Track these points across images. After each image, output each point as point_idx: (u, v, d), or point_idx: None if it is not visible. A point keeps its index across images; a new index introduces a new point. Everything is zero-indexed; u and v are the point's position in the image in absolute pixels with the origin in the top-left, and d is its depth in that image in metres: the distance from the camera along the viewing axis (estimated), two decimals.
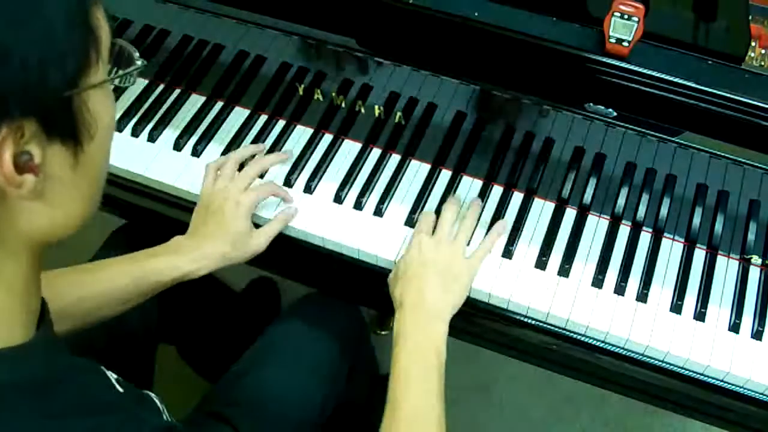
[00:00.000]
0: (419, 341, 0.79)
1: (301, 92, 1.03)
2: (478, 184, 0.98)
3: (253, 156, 0.99)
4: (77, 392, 0.54)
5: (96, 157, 0.52)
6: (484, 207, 0.96)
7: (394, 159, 1.01)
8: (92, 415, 0.52)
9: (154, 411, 0.64)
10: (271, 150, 1.02)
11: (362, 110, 1.01)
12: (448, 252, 0.86)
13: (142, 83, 1.08)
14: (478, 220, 0.94)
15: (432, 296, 0.82)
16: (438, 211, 0.94)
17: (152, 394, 0.67)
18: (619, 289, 0.89)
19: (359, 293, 1.07)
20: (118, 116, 1.04)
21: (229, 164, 0.93)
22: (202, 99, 1.07)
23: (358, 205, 0.96)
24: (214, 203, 0.89)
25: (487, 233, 0.92)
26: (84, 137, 0.49)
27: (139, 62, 0.57)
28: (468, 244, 0.91)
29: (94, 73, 0.49)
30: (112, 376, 0.60)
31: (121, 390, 0.59)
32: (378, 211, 0.95)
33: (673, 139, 0.85)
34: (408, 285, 0.83)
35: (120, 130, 1.03)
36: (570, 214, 0.96)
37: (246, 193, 0.90)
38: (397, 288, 0.84)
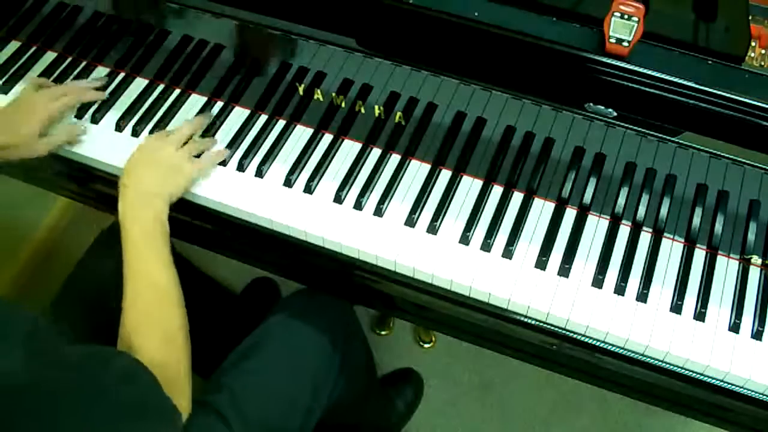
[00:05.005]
0: (141, 214, 0.87)
1: (301, 92, 1.03)
2: (478, 184, 0.98)
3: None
4: None
5: None
6: (484, 207, 0.96)
7: (394, 159, 1.01)
8: None
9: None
10: (270, 150, 1.02)
11: (362, 110, 1.01)
12: (172, 154, 0.94)
13: (142, 83, 1.08)
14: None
15: (150, 181, 0.90)
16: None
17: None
18: (619, 289, 0.89)
19: (359, 293, 1.07)
20: (118, 115, 1.04)
21: (59, 88, 1.02)
22: (203, 99, 1.07)
23: (358, 205, 0.96)
24: (20, 106, 0.98)
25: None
26: None
27: None
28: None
29: None
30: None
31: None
32: (378, 211, 0.95)
33: (673, 139, 0.85)
34: (129, 174, 0.91)
35: (120, 129, 1.03)
36: (570, 214, 0.96)
37: (49, 104, 0.98)
38: (123, 177, 0.91)
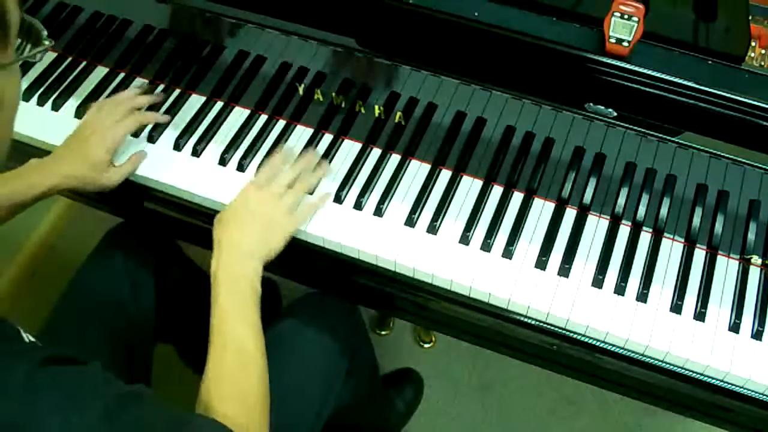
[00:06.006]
0: (234, 277, 0.83)
1: (301, 92, 1.03)
2: (478, 184, 0.98)
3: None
4: None
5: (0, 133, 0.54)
6: (484, 207, 0.96)
7: (394, 159, 1.01)
8: None
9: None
10: (270, 151, 1.01)
11: (362, 110, 1.01)
12: (271, 207, 0.90)
13: (142, 83, 1.08)
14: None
15: (247, 240, 0.86)
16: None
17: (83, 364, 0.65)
18: (619, 289, 0.89)
19: (359, 293, 1.07)
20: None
21: (111, 103, 0.99)
22: (202, 99, 1.07)
23: (358, 205, 0.96)
24: (85, 131, 0.95)
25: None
26: None
27: (47, 42, 0.59)
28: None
29: (1, 54, 0.51)
30: (27, 335, 0.62)
31: (33, 340, 0.61)
32: (378, 211, 0.95)
33: (673, 139, 0.85)
34: (227, 227, 0.87)
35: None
36: (570, 214, 0.96)
37: (116, 126, 0.96)
38: (217, 229, 0.88)
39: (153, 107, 1.04)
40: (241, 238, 0.86)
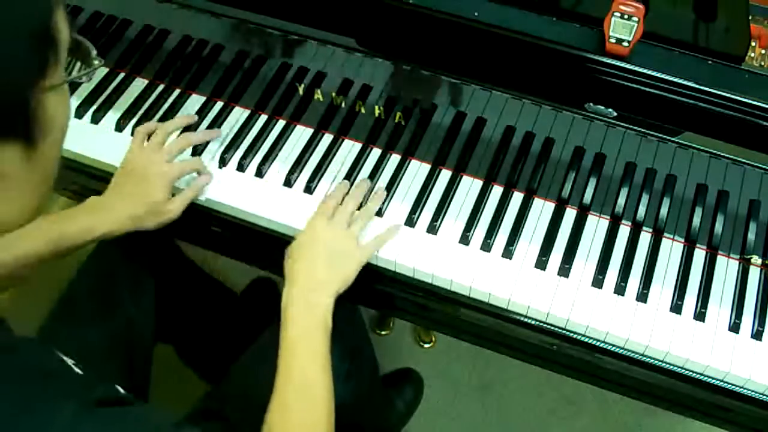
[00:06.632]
0: (305, 312, 0.82)
1: (301, 92, 1.03)
2: (478, 184, 0.98)
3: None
4: (13, 362, 0.53)
5: (49, 154, 0.52)
6: (484, 207, 0.96)
7: (394, 159, 1.01)
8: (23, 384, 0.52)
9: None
10: (270, 150, 1.01)
11: (362, 110, 1.01)
12: (341, 238, 0.89)
13: (142, 83, 1.08)
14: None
15: (320, 274, 0.85)
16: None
17: (119, 388, 0.65)
18: (619, 289, 0.89)
19: (359, 293, 1.07)
20: (118, 115, 1.04)
21: (160, 133, 0.95)
22: (202, 99, 1.07)
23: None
24: (138, 168, 0.91)
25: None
26: (38, 136, 0.49)
27: (96, 62, 0.57)
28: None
29: (52, 75, 0.49)
30: (70, 361, 0.60)
31: (78, 372, 0.59)
32: (378, 212, 0.95)
33: (673, 139, 0.85)
34: (299, 261, 0.86)
35: (120, 130, 1.03)
36: (570, 214, 0.96)
37: (172, 166, 0.92)
38: (288, 263, 0.87)
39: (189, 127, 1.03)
40: (315, 272, 0.85)
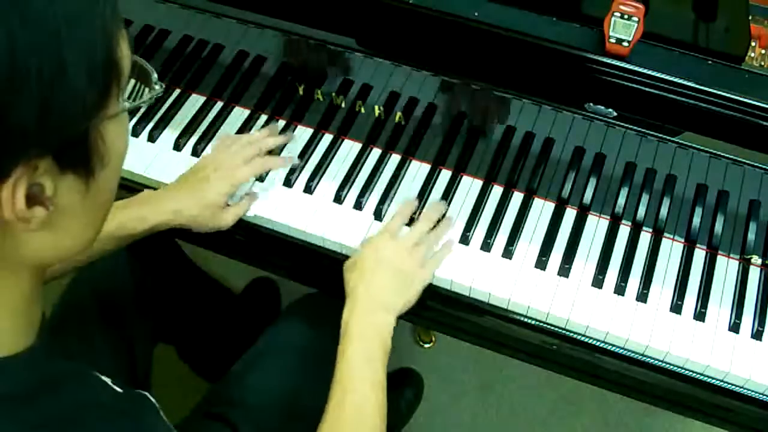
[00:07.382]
0: (366, 330, 0.80)
1: (301, 92, 1.03)
2: (478, 184, 0.98)
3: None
4: (69, 400, 0.52)
5: (107, 184, 0.50)
6: (483, 207, 0.96)
7: (394, 159, 1.01)
8: (82, 424, 0.51)
9: (152, 411, 0.64)
10: (270, 151, 1.01)
11: (362, 110, 1.01)
12: (408, 258, 0.87)
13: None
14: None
15: (384, 292, 0.83)
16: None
17: (147, 394, 0.66)
18: (619, 289, 0.89)
19: None
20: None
21: (240, 143, 0.95)
22: (202, 99, 1.07)
23: (358, 205, 0.96)
24: (206, 169, 0.91)
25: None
26: (97, 167, 0.47)
27: (157, 87, 0.55)
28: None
29: (113, 104, 0.46)
30: (107, 380, 0.59)
31: (118, 390, 0.59)
32: (378, 212, 0.95)
33: (673, 139, 0.85)
34: (362, 276, 0.84)
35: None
36: (570, 214, 0.96)
37: (238, 169, 0.91)
38: (351, 277, 0.85)
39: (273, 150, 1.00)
40: (380, 290, 0.83)
